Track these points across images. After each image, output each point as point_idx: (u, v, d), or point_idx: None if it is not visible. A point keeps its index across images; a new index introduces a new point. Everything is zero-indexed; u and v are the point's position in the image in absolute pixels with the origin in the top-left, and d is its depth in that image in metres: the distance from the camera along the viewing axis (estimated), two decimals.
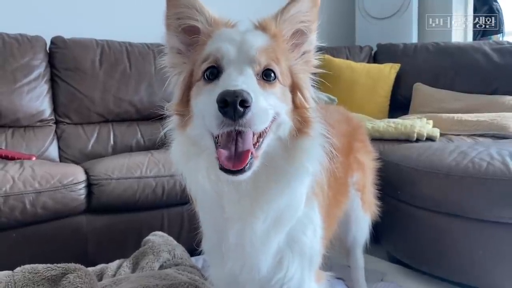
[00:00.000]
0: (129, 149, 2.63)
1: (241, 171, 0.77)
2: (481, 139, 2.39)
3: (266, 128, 0.80)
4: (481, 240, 1.69)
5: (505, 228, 1.62)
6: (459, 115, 2.61)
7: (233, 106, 0.70)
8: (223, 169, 0.77)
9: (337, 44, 3.54)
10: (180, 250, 1.77)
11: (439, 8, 3.53)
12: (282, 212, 0.90)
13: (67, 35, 2.68)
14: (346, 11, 3.92)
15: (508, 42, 2.96)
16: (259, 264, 0.93)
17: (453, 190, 1.72)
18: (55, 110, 2.59)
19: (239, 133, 0.76)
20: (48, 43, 2.64)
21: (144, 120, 2.79)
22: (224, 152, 0.76)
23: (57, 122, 2.60)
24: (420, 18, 3.60)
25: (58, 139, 2.56)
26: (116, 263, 1.77)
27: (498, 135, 2.41)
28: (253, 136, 0.78)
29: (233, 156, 0.76)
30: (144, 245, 1.81)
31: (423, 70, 3.06)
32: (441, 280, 1.83)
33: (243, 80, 0.75)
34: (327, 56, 3.16)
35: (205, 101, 0.79)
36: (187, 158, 0.87)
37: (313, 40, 0.92)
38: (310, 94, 0.91)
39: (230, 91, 0.71)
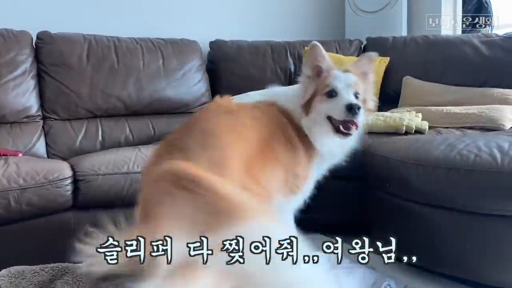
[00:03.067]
0: (118, 145, 2.61)
1: (349, 134, 1.47)
2: (469, 131, 2.40)
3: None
4: (468, 232, 1.69)
5: (492, 220, 1.63)
6: (448, 108, 2.61)
7: (354, 109, 1.43)
8: (339, 132, 1.47)
9: (327, 38, 3.53)
10: None
11: (428, 2, 3.53)
12: None
13: (53, 30, 2.65)
14: (335, 4, 3.91)
15: (497, 35, 2.96)
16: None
17: (440, 182, 1.73)
18: (42, 106, 2.57)
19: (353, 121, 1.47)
20: (34, 38, 2.61)
21: (132, 116, 2.77)
22: (346, 126, 1.47)
23: (44, 118, 2.57)
24: (410, 11, 3.61)
25: (46, 135, 2.54)
26: None
27: (487, 128, 2.41)
28: None
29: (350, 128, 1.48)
30: None
31: (413, 64, 3.05)
32: (430, 272, 1.83)
33: (354, 99, 1.47)
34: None
35: (329, 106, 1.49)
36: (311, 128, 1.54)
37: (372, 77, 1.63)
38: (372, 101, 1.63)
39: (354, 103, 1.44)
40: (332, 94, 1.50)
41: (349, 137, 1.51)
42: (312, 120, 1.53)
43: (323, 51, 1.56)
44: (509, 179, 1.58)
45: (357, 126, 1.48)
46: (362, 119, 1.51)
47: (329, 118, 1.51)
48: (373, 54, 1.66)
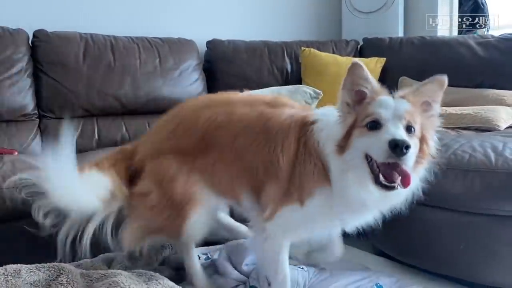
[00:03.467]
0: (114, 144, 2.60)
1: (392, 187, 1.15)
2: (465, 132, 2.41)
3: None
4: (462, 232, 1.70)
5: (485, 219, 1.64)
6: (444, 108, 2.62)
7: (401, 147, 1.08)
8: (380, 184, 1.15)
9: (323, 38, 3.55)
10: None
11: (424, 3, 3.55)
12: None
13: (50, 28, 2.64)
14: (332, 5, 3.92)
15: (493, 36, 2.98)
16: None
17: (436, 182, 1.73)
18: (38, 104, 2.56)
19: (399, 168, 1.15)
20: (31, 36, 2.60)
21: (129, 115, 2.77)
22: (390, 173, 1.14)
23: (40, 117, 2.57)
24: (406, 12, 3.62)
25: (42, 133, 2.53)
26: (100, 258, 1.76)
27: (482, 128, 2.42)
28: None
29: (396, 177, 1.14)
30: None
31: (409, 64, 3.07)
32: (426, 272, 1.85)
33: (403, 134, 1.13)
34: (313, 50, 3.16)
35: (369, 141, 1.16)
36: (343, 173, 1.24)
37: (437, 109, 1.27)
38: (433, 141, 1.27)
39: (400, 139, 1.09)
40: (374, 126, 1.16)
41: (393, 191, 1.16)
42: (346, 161, 1.21)
43: (366, 71, 1.24)
44: (503, 179, 1.59)
45: (406, 177, 1.13)
46: (413, 164, 1.17)
47: (368, 160, 1.18)
48: (444, 78, 1.25)
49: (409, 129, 1.16)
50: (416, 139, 1.19)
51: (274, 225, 1.36)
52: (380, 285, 1.68)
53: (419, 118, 1.21)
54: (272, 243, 1.39)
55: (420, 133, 1.21)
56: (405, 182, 1.13)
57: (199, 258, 1.81)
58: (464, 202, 1.67)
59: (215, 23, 3.42)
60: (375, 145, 1.13)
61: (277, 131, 1.37)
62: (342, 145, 1.22)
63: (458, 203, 1.69)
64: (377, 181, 1.15)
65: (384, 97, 1.22)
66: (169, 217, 1.47)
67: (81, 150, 2.44)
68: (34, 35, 2.60)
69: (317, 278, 1.69)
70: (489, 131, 2.36)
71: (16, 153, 2.25)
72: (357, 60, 1.25)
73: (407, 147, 1.08)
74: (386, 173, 1.14)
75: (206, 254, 1.91)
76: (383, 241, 2.06)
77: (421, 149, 1.22)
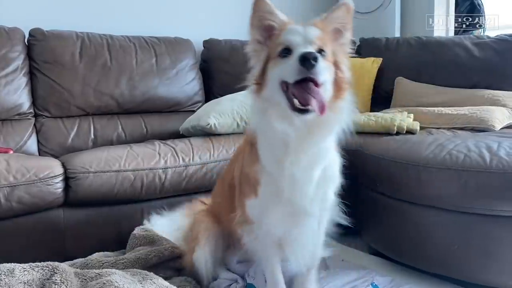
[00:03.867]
0: (110, 143, 2.60)
1: (307, 111, 1.14)
2: (460, 132, 2.41)
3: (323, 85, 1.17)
4: (456, 232, 1.70)
5: (480, 219, 1.64)
6: (440, 108, 2.63)
7: (309, 60, 1.08)
8: (296, 109, 1.14)
9: None
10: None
11: (421, 3, 3.56)
12: (321, 151, 1.29)
13: (46, 27, 2.63)
14: (329, 5, 3.90)
15: (488, 37, 2.99)
16: (306, 189, 1.29)
17: (430, 182, 1.74)
18: (34, 103, 2.55)
19: (312, 87, 1.14)
20: (27, 35, 2.59)
21: (125, 114, 2.77)
22: (304, 96, 1.13)
23: (36, 116, 2.56)
24: (403, 13, 3.62)
25: (37, 132, 2.53)
26: (95, 256, 1.76)
27: (477, 128, 2.43)
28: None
29: (309, 99, 1.13)
30: (133, 238, 1.79)
31: (405, 64, 3.08)
32: (420, 272, 1.85)
33: (312, 50, 1.14)
34: None
35: (282, 67, 1.16)
36: (263, 111, 1.24)
37: (348, 35, 1.32)
38: (346, 67, 1.28)
39: (307, 51, 1.11)
40: (286, 52, 1.18)
41: (310, 117, 1.15)
42: (266, 98, 1.22)
43: (270, 5, 1.26)
44: (497, 179, 1.59)
45: (320, 101, 1.12)
46: (325, 80, 1.16)
47: (284, 89, 1.18)
48: (350, 3, 1.30)
49: (320, 52, 1.17)
50: (328, 63, 1.20)
51: (250, 223, 1.41)
52: (375, 285, 1.68)
53: (331, 44, 1.24)
54: (256, 241, 1.43)
55: (332, 58, 1.23)
56: (320, 107, 1.13)
57: None
58: (458, 202, 1.67)
59: (212, 22, 3.42)
60: (287, 68, 1.15)
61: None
62: (260, 82, 1.24)
63: (452, 203, 1.69)
64: (293, 107, 1.15)
65: (293, 25, 1.25)
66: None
67: (77, 149, 2.45)
68: (30, 34, 2.60)
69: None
70: (485, 131, 2.37)
71: (12, 151, 2.24)
72: None
73: (315, 58, 1.09)
74: (300, 96, 1.14)
75: None
76: (378, 241, 2.06)
77: (336, 76, 1.24)
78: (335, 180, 1.39)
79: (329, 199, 1.39)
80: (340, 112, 1.25)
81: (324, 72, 1.14)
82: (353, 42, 1.34)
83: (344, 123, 1.28)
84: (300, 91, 1.14)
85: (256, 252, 1.47)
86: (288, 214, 1.34)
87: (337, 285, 1.66)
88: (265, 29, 1.26)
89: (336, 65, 1.24)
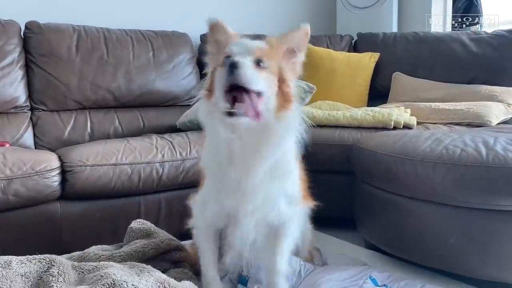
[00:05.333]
0: (107, 137, 2.59)
1: (234, 114, 1.17)
2: (457, 127, 2.43)
3: (259, 95, 1.21)
4: (453, 226, 1.71)
5: (476, 213, 1.65)
6: (436, 104, 2.64)
7: (235, 64, 1.15)
8: (224, 112, 1.18)
9: (318, 33, 3.54)
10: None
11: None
12: (277, 165, 1.31)
13: (42, 19, 2.61)
14: (327, 0, 3.92)
15: (486, 33, 3.00)
16: (254, 202, 1.31)
17: (427, 176, 1.74)
18: (30, 96, 2.54)
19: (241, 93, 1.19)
20: (23, 28, 2.57)
21: (122, 108, 2.76)
22: (231, 100, 1.18)
23: (32, 109, 2.55)
24: (400, 8, 3.63)
25: (34, 126, 2.52)
26: (92, 249, 1.75)
27: (474, 124, 2.44)
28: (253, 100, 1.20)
29: (230, 102, 1.19)
30: (130, 232, 1.79)
31: (402, 60, 3.08)
32: (417, 266, 1.85)
33: (245, 60, 1.19)
34: (308, 45, 3.15)
35: (221, 74, 1.20)
36: (210, 115, 1.29)
37: (301, 57, 1.37)
38: (292, 86, 1.32)
39: (236, 59, 1.17)
40: (227, 61, 1.22)
41: (236, 119, 1.19)
42: (213, 103, 1.27)
43: (224, 26, 1.37)
44: (494, 174, 1.60)
45: (249, 106, 1.18)
46: (255, 88, 1.19)
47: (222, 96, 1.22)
48: (307, 27, 1.38)
49: (257, 62, 1.22)
50: (269, 74, 1.25)
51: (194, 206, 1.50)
52: (373, 279, 1.69)
53: (278, 59, 1.30)
54: (193, 222, 1.51)
55: (277, 72, 1.28)
56: (254, 113, 1.19)
57: None
58: (455, 196, 1.68)
59: (209, 16, 3.40)
60: (221, 74, 1.20)
61: None
62: (209, 89, 1.31)
63: (449, 197, 1.70)
64: (223, 110, 1.20)
65: (240, 39, 1.33)
66: None
67: (73, 142, 2.44)
68: (26, 27, 2.58)
69: (311, 272, 1.70)
70: (481, 126, 2.38)
71: (8, 145, 2.23)
72: (214, 19, 1.38)
73: (237, 64, 1.15)
74: (228, 100, 1.19)
75: None
76: (374, 235, 2.07)
77: (281, 90, 1.28)
78: (294, 195, 1.42)
79: (281, 214, 1.39)
80: (287, 121, 1.28)
81: (256, 80, 1.19)
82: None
83: (296, 133, 1.33)
84: (229, 97, 1.19)
85: (192, 226, 1.53)
86: (224, 212, 1.37)
87: (336, 277, 1.66)
88: (217, 43, 1.37)
89: (281, 79, 1.29)
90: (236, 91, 1.18)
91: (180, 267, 1.65)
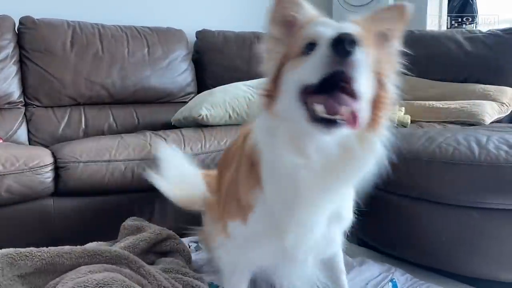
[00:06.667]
0: (101, 133, 2.59)
1: (335, 122, 0.79)
2: (451, 126, 2.43)
3: (356, 97, 0.82)
4: (445, 224, 1.72)
5: (468, 212, 1.65)
6: (431, 102, 2.65)
7: (344, 44, 0.74)
8: (318, 120, 0.80)
9: None
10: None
11: None
12: (344, 201, 1.11)
13: (36, 15, 2.60)
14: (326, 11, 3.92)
15: (480, 31, 3.00)
16: (315, 236, 1.04)
17: (419, 175, 1.75)
18: (24, 92, 2.53)
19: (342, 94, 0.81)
20: (17, 23, 2.56)
21: (116, 104, 2.75)
22: (330, 103, 0.79)
23: (26, 105, 2.54)
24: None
25: (28, 122, 2.51)
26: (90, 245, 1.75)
27: (468, 122, 2.45)
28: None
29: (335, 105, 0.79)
30: (123, 229, 1.79)
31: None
32: (410, 263, 1.86)
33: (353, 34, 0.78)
34: None
35: (304, 67, 0.83)
36: (271, 131, 0.92)
37: (396, 45, 1.00)
38: (392, 84, 0.95)
39: (346, 32, 0.77)
40: (311, 48, 0.84)
41: (336, 130, 0.81)
42: (278, 113, 0.91)
43: None
44: (486, 172, 1.60)
45: (352, 109, 0.80)
46: (363, 92, 0.82)
47: (305, 100, 0.84)
48: (407, 6, 0.99)
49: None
50: (368, 70, 0.86)
51: (228, 241, 1.18)
52: (395, 282, 1.70)
53: (374, 50, 0.90)
54: (227, 260, 1.23)
55: (375, 68, 0.89)
56: (353, 118, 0.80)
57: (189, 247, 1.82)
58: (447, 194, 1.68)
59: (205, 13, 3.40)
60: (311, 65, 0.81)
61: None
62: (271, 91, 0.93)
63: (441, 195, 1.70)
64: (314, 117, 0.82)
65: (324, 18, 0.95)
66: None
67: (68, 139, 2.43)
68: (20, 22, 2.57)
69: None
70: (475, 125, 2.39)
71: (1, 140, 2.23)
72: None
73: (353, 41, 0.75)
74: (326, 103, 0.80)
75: (196, 243, 1.92)
76: (367, 232, 2.07)
77: (376, 95, 0.90)
78: (347, 223, 1.20)
79: (336, 243, 1.23)
80: (372, 147, 0.93)
81: (364, 72, 0.80)
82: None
83: (376, 162, 0.96)
84: (326, 98, 0.81)
85: (223, 265, 1.25)
86: (279, 250, 1.09)
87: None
88: (287, 24, 0.96)
89: (379, 79, 0.91)
90: (328, 91, 0.80)
91: (170, 257, 1.65)
